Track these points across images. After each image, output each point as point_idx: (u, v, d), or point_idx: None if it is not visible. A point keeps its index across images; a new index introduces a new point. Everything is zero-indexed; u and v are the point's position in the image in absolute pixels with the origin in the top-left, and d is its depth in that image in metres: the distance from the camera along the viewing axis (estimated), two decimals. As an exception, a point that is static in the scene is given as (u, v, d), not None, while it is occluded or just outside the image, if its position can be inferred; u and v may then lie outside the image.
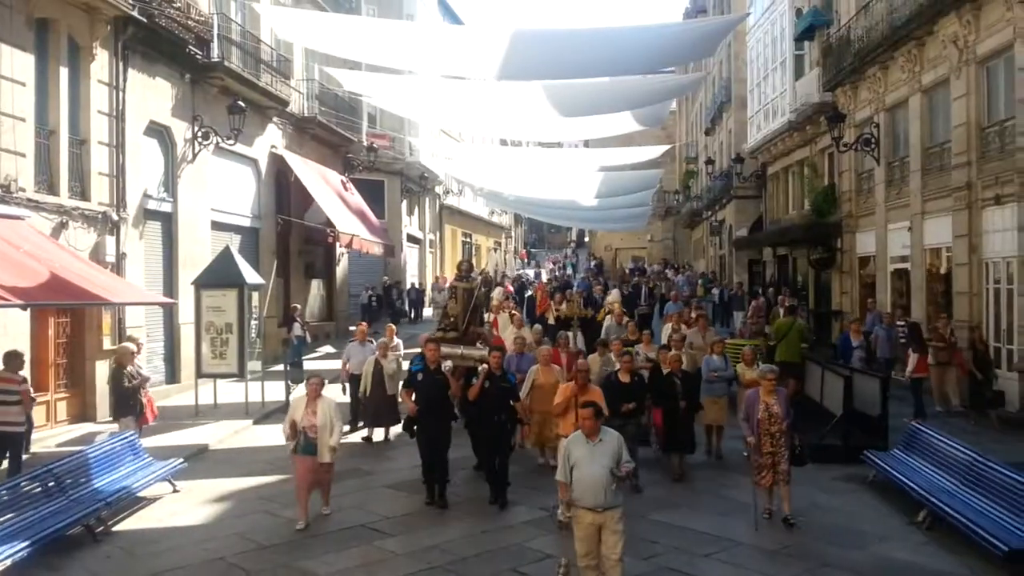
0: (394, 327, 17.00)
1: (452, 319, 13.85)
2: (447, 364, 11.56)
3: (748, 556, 8.98)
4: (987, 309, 16.13)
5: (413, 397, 10.74)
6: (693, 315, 17.99)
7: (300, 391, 16.98)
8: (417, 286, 35.85)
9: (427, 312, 34.05)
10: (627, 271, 46.07)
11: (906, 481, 10.62)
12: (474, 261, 35.63)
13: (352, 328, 19.31)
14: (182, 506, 10.79)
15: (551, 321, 19.99)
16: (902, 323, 18.70)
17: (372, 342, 15.40)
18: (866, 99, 21.93)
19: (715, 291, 31.38)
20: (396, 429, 13.98)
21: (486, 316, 17.38)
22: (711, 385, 12.89)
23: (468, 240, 52.22)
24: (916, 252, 19.18)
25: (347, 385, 15.01)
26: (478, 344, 13.23)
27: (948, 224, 17.38)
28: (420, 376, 10.74)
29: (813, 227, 25.13)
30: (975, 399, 15.02)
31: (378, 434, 14.42)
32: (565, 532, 8.58)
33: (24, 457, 11.55)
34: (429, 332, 14.45)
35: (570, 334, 14.96)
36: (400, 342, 16.34)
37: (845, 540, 9.39)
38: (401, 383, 15.91)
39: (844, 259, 23.82)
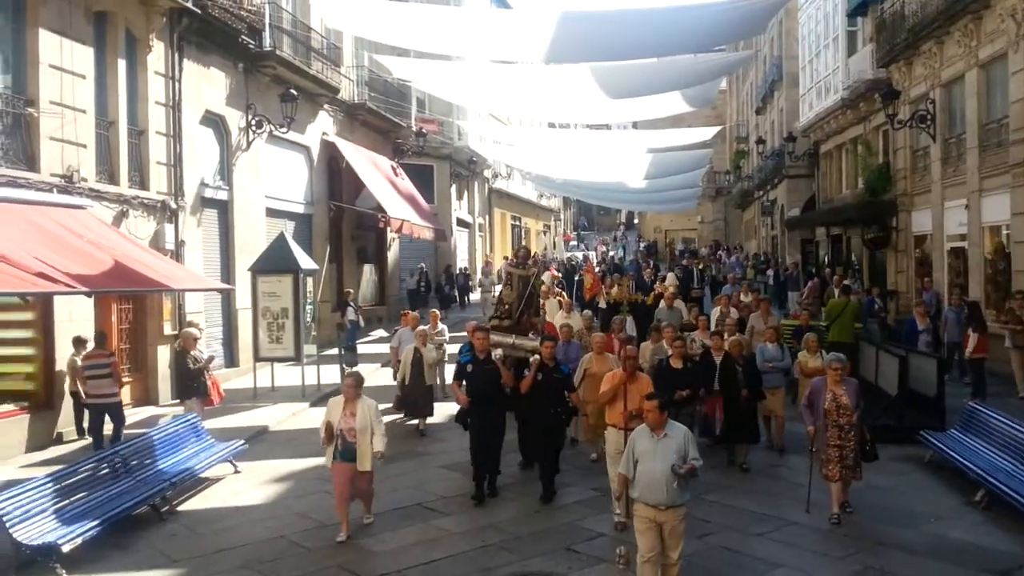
0: (438, 313, 16.99)
1: (507, 307, 13.20)
2: (498, 353, 11.07)
3: (801, 535, 9.01)
4: (1047, 287, 15.82)
5: (464, 388, 10.43)
6: (744, 298, 17.80)
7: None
8: (465, 271, 35.87)
9: (475, 297, 34.17)
10: (677, 252, 45.79)
11: (963, 461, 10.53)
12: (525, 244, 35.45)
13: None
14: (244, 486, 11.10)
15: (602, 305, 19.81)
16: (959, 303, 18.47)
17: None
18: (921, 75, 21.51)
19: (769, 272, 31.01)
20: (431, 419, 14.08)
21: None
22: (766, 376, 12.04)
23: (517, 224, 52.29)
24: (974, 230, 18.81)
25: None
26: (530, 335, 12.59)
27: (1007, 201, 17.03)
28: (470, 367, 10.39)
29: (867, 206, 24.77)
30: None
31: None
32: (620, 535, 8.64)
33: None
34: (477, 319, 14.31)
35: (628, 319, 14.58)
36: (445, 327, 16.32)
37: (899, 520, 9.37)
38: (450, 374, 16.03)
39: (899, 238, 23.45)
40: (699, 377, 11.27)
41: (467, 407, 10.35)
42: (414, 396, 13.72)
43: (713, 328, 14.23)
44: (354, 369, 10.00)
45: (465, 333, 12.51)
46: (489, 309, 29.21)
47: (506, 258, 44.70)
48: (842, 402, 9.17)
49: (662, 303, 17.10)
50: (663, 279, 23.01)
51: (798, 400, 11.52)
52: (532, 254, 14.06)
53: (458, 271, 34.97)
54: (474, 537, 9.00)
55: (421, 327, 14.49)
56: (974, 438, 11.12)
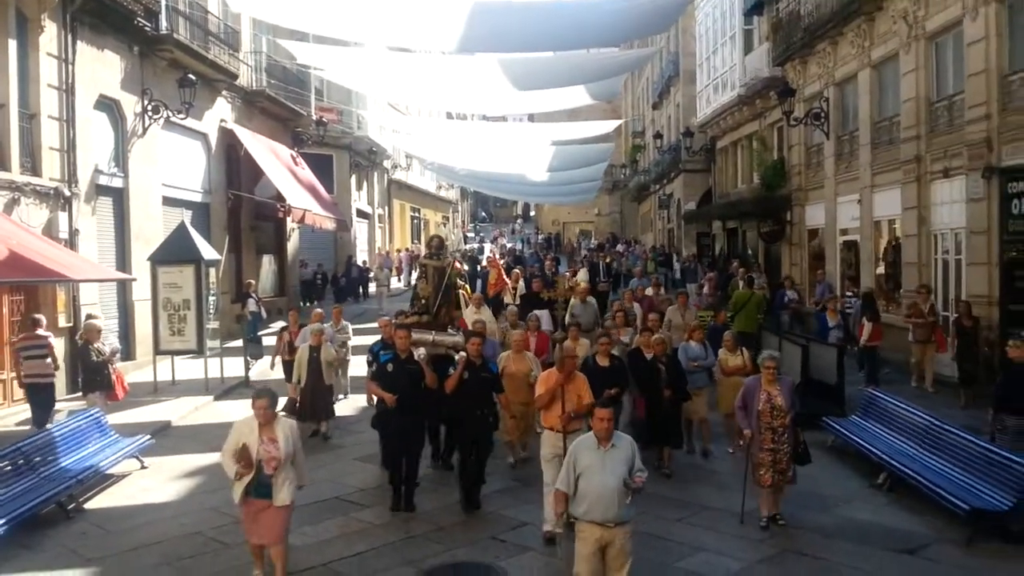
0: (340, 309, 16.27)
1: (423, 301, 12.11)
2: (421, 352, 10.17)
3: (718, 519, 9.26)
4: (936, 279, 16.60)
5: (382, 390, 9.61)
6: (649, 291, 17.96)
7: (261, 365, 17.01)
8: (363, 263, 35.06)
9: (372, 289, 33.61)
10: (575, 245, 46.24)
11: (866, 445, 10.99)
12: (437, 234, 34.98)
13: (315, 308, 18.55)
14: (152, 482, 10.73)
15: (508, 301, 18.64)
16: (851, 293, 19.27)
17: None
18: (815, 73, 22.28)
19: (676, 264, 31.67)
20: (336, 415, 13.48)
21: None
22: (691, 376, 11.45)
23: (417, 215, 52.05)
24: (865, 224, 19.61)
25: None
26: (449, 329, 11.81)
27: (897, 196, 17.79)
28: (390, 367, 9.65)
29: (763, 200, 25.55)
30: (963, 375, 14.17)
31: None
32: (550, 548, 8.09)
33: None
34: (386, 314, 13.32)
35: (541, 314, 13.89)
36: (348, 324, 15.74)
37: (810, 503, 9.67)
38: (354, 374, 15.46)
39: (794, 231, 24.28)
40: (625, 375, 10.52)
41: (394, 405, 9.46)
42: (312, 398, 12.57)
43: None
44: (264, 388, 8.73)
45: (376, 329, 12.12)
46: (386, 302, 29.06)
47: (406, 249, 44.66)
48: (776, 403, 8.76)
49: (574, 299, 16.17)
50: (574, 273, 22.80)
51: (718, 401, 11.69)
52: (444, 243, 13.23)
53: (354, 263, 34.30)
54: (397, 528, 8.93)
55: (316, 325, 13.36)
56: (874, 423, 11.62)
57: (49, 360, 12.11)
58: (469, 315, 13.60)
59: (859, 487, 10.38)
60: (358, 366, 15.28)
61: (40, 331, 12.27)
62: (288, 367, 13.68)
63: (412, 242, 48.63)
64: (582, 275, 20.69)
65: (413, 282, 39.30)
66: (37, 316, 12.73)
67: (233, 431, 7.28)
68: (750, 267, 23.81)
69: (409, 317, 12.02)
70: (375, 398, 10.07)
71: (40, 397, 12.17)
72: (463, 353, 10.02)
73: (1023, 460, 8.86)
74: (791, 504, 9.43)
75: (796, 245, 24.21)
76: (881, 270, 19.28)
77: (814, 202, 22.99)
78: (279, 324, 24.75)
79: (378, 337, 12.53)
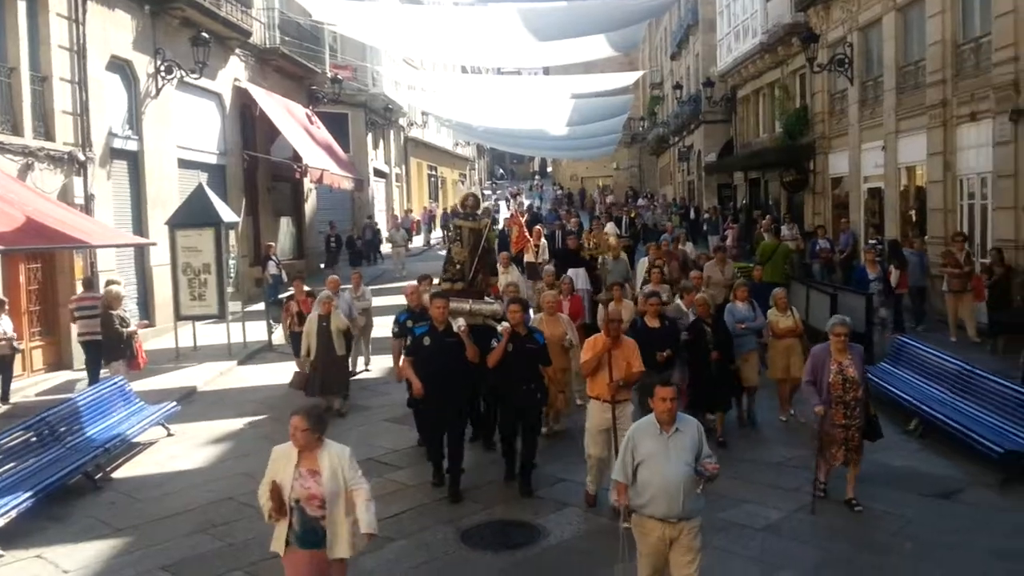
0: (360, 275, 15.55)
1: (458, 267, 10.66)
2: (460, 323, 8.92)
3: (752, 469, 9.22)
4: (961, 225, 16.28)
5: (416, 368, 8.75)
6: (683, 246, 17.67)
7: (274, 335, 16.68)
8: (374, 224, 34.26)
9: (385, 249, 33.12)
10: (596, 200, 45.72)
11: (897, 392, 10.90)
12: (473, 191, 34.12)
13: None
14: (180, 449, 10.67)
15: (529, 259, 18.27)
16: (875, 240, 18.95)
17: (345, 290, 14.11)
18: (839, 19, 21.75)
19: (705, 216, 31.25)
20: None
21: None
22: (738, 339, 10.58)
23: (434, 173, 51.76)
24: (890, 171, 19.26)
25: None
26: (486, 297, 10.59)
27: (922, 142, 17.43)
28: (427, 340, 8.69)
29: (785, 149, 25.15)
30: (994, 324, 13.78)
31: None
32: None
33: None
34: (417, 281, 11.82)
35: (576, 273, 13.28)
36: (368, 290, 15.12)
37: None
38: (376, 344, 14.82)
39: (817, 180, 23.89)
40: (678, 337, 9.85)
41: (420, 394, 8.70)
42: (323, 372, 11.80)
43: (641, 278, 13.78)
44: (306, 405, 7.33)
45: (394, 290, 11.14)
46: (403, 265, 28.80)
47: (424, 208, 44.44)
48: (848, 374, 7.90)
49: (606, 256, 15.64)
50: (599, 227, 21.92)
51: (768, 365, 11.09)
52: (480, 202, 11.87)
53: (366, 225, 33.59)
54: (432, 489, 8.79)
55: (326, 292, 12.59)
56: (905, 370, 11.54)
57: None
58: (497, 278, 12.61)
59: (891, 434, 10.11)
60: (382, 328, 14.81)
61: (92, 292, 13.03)
62: (296, 339, 13.13)
63: (429, 200, 48.40)
64: (611, 228, 19.43)
65: (432, 241, 39.61)
66: (90, 276, 13.67)
67: (271, 460, 5.77)
68: (779, 219, 23.46)
69: (443, 284, 10.76)
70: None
71: (93, 355, 12.68)
72: (505, 323, 8.98)
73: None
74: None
75: (820, 194, 23.83)
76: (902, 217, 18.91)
77: (838, 150, 22.57)
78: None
79: (402, 304, 11.49)
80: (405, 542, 7.68)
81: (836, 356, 7.94)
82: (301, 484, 5.53)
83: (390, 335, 11.11)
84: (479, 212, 11.04)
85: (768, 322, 10.96)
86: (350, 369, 13.36)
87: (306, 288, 14.27)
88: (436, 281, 11.86)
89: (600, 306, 10.60)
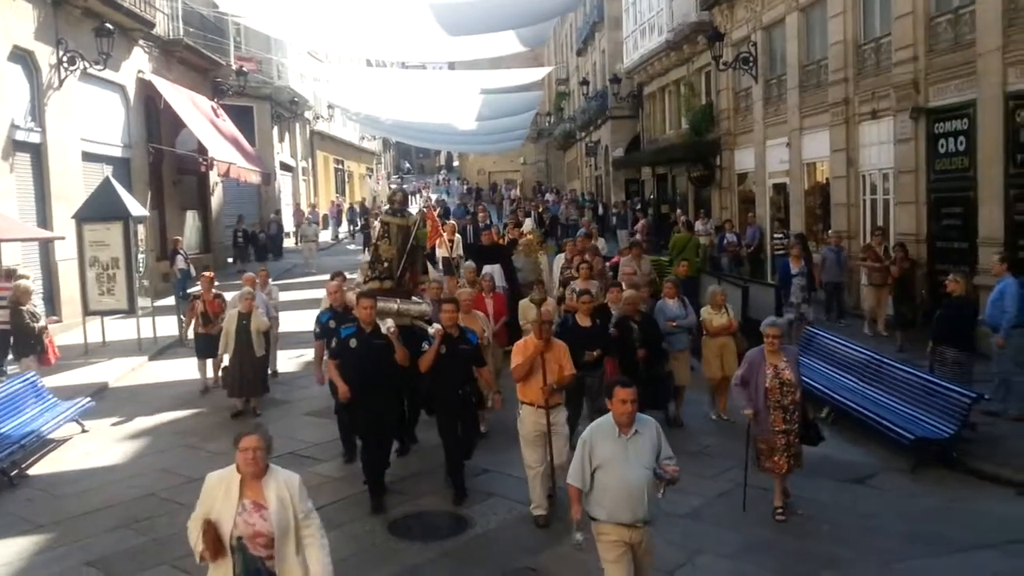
0: (267, 271, 14.69)
1: (386, 265, 10.28)
2: (388, 324, 8.55)
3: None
4: (864, 220, 17.01)
5: (341, 371, 8.37)
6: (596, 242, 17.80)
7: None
8: (279, 219, 33.66)
9: (287, 244, 32.62)
10: (503, 196, 45.92)
11: (807, 380, 11.18)
12: (401, 187, 33.33)
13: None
14: (96, 445, 10.44)
15: (442, 254, 17.07)
16: (780, 235, 19.60)
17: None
18: (743, 18, 22.39)
19: (613, 211, 31.65)
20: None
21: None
22: (669, 338, 10.45)
23: (341, 167, 51.16)
24: (794, 167, 19.94)
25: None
26: (414, 297, 10.28)
27: (826, 139, 18.11)
28: (353, 343, 8.25)
29: (692, 145, 25.73)
30: (899, 317, 14.25)
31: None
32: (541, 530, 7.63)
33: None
34: (330, 277, 11.36)
35: (493, 270, 12.93)
36: (275, 287, 14.46)
37: (755, 439, 9.86)
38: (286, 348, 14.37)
39: (723, 176, 24.55)
40: (609, 337, 9.62)
41: (347, 399, 8.38)
42: (241, 372, 11.39)
43: (558, 275, 13.72)
44: (258, 424, 6.89)
45: (301, 285, 10.88)
46: (312, 259, 28.47)
47: (331, 202, 43.90)
48: (785, 377, 7.71)
49: (521, 252, 15.15)
50: (516, 223, 21.12)
51: (702, 363, 11.02)
52: (408, 199, 11.09)
53: (271, 219, 33.13)
54: (357, 481, 8.77)
55: (247, 288, 12.06)
56: (814, 359, 11.92)
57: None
58: (428, 276, 12.37)
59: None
60: (291, 324, 14.71)
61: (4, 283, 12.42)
62: (202, 341, 12.69)
63: (336, 194, 47.87)
64: (528, 225, 18.90)
65: (341, 236, 39.16)
66: (12, 268, 13.11)
67: (204, 488, 4.80)
68: (695, 214, 24.01)
69: (370, 282, 10.27)
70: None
71: (1, 346, 12.13)
72: (437, 325, 8.70)
73: (962, 390, 9.24)
74: (735, 440, 9.12)
75: (726, 189, 24.50)
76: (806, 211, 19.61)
77: (743, 146, 23.26)
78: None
79: (315, 299, 11.43)
80: (334, 534, 7.55)
81: (770, 359, 7.76)
82: (245, 520, 4.64)
83: (305, 332, 10.93)
84: (407, 209, 10.71)
85: (702, 320, 10.87)
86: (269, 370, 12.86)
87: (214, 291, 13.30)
88: (356, 278, 11.64)
89: (528, 305, 10.38)
